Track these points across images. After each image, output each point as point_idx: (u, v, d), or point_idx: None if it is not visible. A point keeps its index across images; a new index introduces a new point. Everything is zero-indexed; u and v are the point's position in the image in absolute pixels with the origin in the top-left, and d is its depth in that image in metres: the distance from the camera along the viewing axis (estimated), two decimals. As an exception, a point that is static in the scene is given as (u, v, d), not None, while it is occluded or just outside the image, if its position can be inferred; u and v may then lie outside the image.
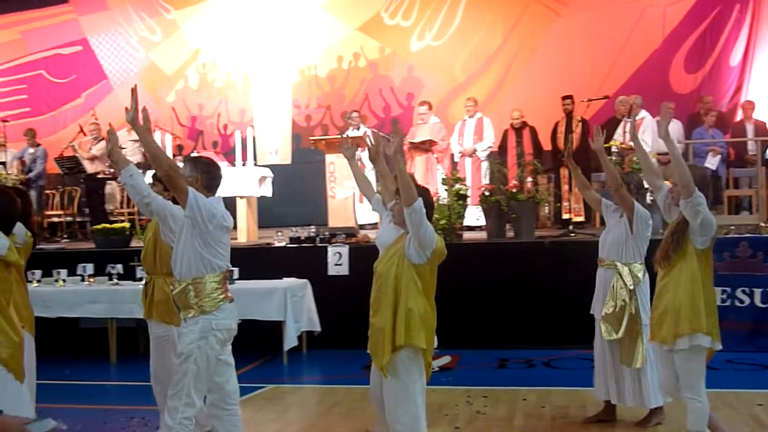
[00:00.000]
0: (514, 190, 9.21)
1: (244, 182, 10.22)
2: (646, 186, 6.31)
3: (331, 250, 8.97)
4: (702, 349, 4.59)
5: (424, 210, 4.10)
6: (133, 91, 4.47)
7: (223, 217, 4.51)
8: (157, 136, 11.20)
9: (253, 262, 9.09)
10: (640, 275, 5.59)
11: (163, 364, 5.25)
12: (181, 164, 4.79)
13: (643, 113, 10.65)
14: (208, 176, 4.58)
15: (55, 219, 12.80)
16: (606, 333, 5.60)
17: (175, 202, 4.95)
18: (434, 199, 9.22)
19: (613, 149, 9.62)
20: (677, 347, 4.56)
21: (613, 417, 5.83)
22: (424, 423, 4.24)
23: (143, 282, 5.57)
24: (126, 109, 4.50)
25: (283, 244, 9.55)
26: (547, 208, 11.07)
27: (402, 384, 4.20)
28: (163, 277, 5.25)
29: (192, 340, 4.41)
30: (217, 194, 4.65)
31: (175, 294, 4.53)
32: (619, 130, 10.42)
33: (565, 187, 10.70)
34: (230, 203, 10.42)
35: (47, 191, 13.17)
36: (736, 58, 12.59)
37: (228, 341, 4.60)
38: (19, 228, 4.86)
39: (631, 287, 5.55)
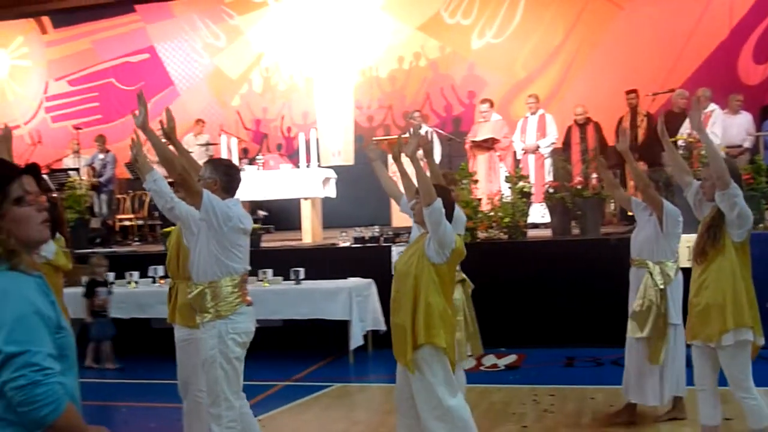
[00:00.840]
0: (579, 187, 9.12)
1: (308, 183, 10.36)
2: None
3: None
4: (747, 344, 4.47)
5: (443, 210, 4.16)
6: (140, 96, 4.49)
7: (239, 219, 4.50)
8: (222, 140, 11.44)
9: (319, 262, 9.20)
10: (671, 274, 5.54)
11: (189, 366, 5.26)
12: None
13: (712, 106, 10.41)
14: (227, 178, 4.61)
15: (126, 222, 13.14)
16: (632, 330, 5.60)
17: None
18: (497, 197, 9.29)
19: (680, 143, 9.43)
20: (723, 343, 4.44)
21: (634, 418, 5.76)
22: (462, 414, 4.27)
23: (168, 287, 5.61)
24: (134, 113, 4.52)
25: (347, 244, 9.64)
26: (612, 204, 10.92)
27: (427, 382, 4.28)
28: (186, 281, 5.17)
29: (212, 345, 4.45)
30: (236, 196, 4.68)
31: (192, 297, 4.55)
32: (687, 123, 10.22)
33: (631, 183, 10.53)
34: (295, 204, 10.60)
35: (118, 196, 13.53)
36: (808, 47, 12.24)
37: (248, 343, 4.61)
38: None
39: (662, 286, 5.50)
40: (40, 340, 2.14)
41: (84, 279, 8.72)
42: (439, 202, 4.14)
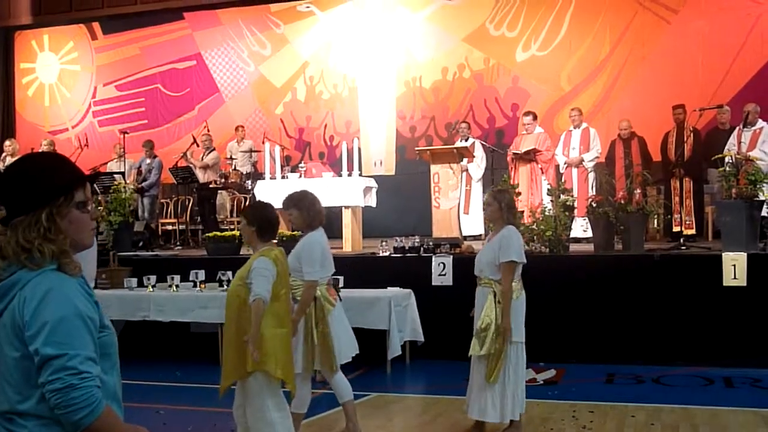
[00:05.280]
0: (622, 202, 9.01)
1: (349, 192, 10.39)
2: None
3: (435, 261, 8.99)
4: None
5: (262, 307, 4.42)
6: None
7: None
8: (266, 147, 11.54)
9: (358, 271, 9.20)
10: (513, 294, 5.58)
11: None
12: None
13: (761, 123, 10.21)
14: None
15: (169, 227, 13.30)
16: (472, 348, 5.66)
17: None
18: (539, 209, 9.22)
19: (727, 160, 9.27)
20: None
21: None
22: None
23: None
24: None
25: (387, 254, 9.63)
26: (656, 220, 10.78)
27: (254, 405, 4.49)
28: None
29: None
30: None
31: None
32: (732, 140, 10.04)
33: (676, 199, 10.40)
34: (336, 213, 10.62)
35: (162, 200, 13.71)
36: None
37: None
38: None
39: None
40: (80, 343, 2.16)
41: None
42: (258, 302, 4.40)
